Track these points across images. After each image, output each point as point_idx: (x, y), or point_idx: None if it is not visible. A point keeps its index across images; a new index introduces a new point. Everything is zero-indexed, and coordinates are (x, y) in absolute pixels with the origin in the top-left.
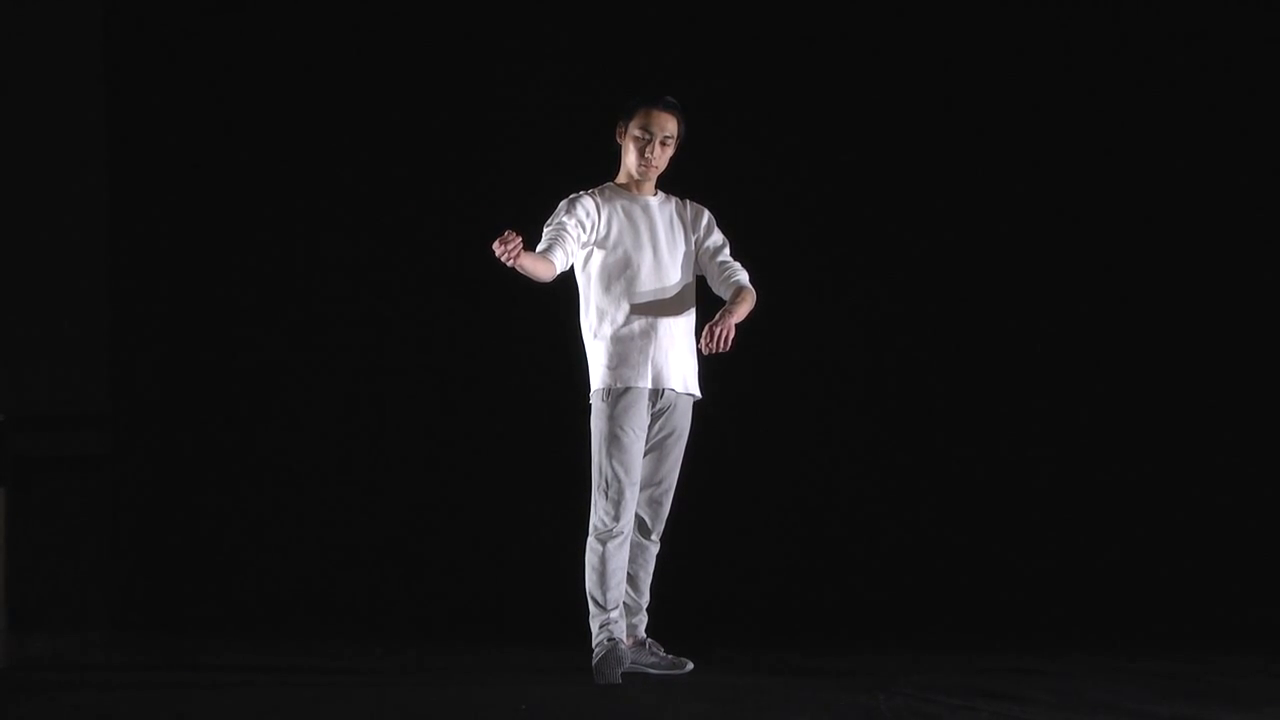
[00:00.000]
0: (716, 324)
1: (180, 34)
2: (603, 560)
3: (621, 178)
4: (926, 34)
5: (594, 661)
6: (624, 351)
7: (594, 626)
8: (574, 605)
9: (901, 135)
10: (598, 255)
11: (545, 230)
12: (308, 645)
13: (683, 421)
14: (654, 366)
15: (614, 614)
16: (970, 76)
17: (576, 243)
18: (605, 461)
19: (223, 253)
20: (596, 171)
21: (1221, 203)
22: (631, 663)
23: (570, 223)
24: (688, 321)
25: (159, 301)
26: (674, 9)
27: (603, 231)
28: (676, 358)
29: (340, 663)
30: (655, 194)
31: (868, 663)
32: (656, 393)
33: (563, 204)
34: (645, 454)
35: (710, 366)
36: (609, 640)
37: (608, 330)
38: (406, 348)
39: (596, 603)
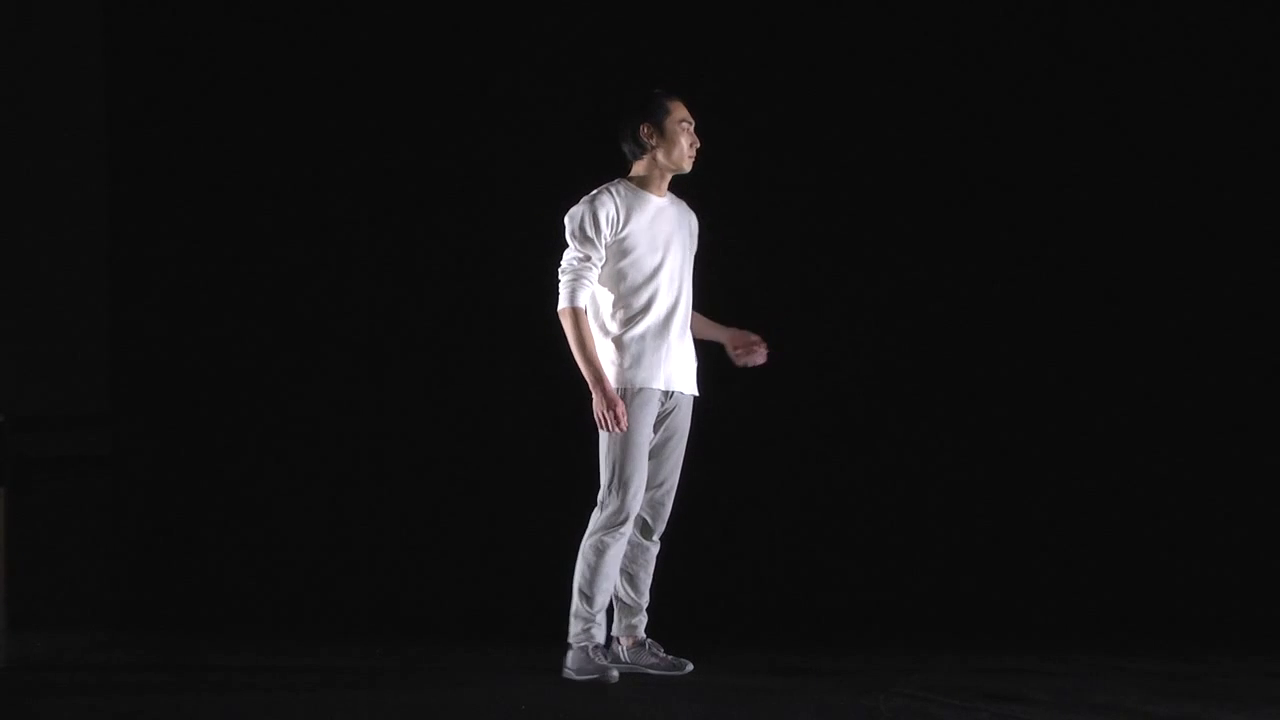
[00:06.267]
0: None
1: (181, 33)
2: (604, 559)
3: (640, 174)
4: (923, 33)
5: (570, 661)
6: (639, 352)
7: (576, 625)
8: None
9: (902, 131)
10: (615, 254)
11: (573, 255)
12: (308, 645)
13: (685, 422)
14: (666, 368)
15: (600, 616)
16: (967, 74)
17: (599, 269)
18: (618, 461)
19: (223, 253)
20: (600, 170)
21: (1225, 204)
22: (631, 663)
23: (595, 257)
24: (690, 321)
25: (159, 302)
26: (672, 9)
27: (623, 232)
28: (685, 358)
29: (340, 663)
30: (665, 194)
31: (868, 663)
32: (666, 394)
33: (584, 214)
34: (650, 456)
35: (709, 366)
36: (592, 646)
37: (622, 330)
38: (407, 348)
39: (586, 599)
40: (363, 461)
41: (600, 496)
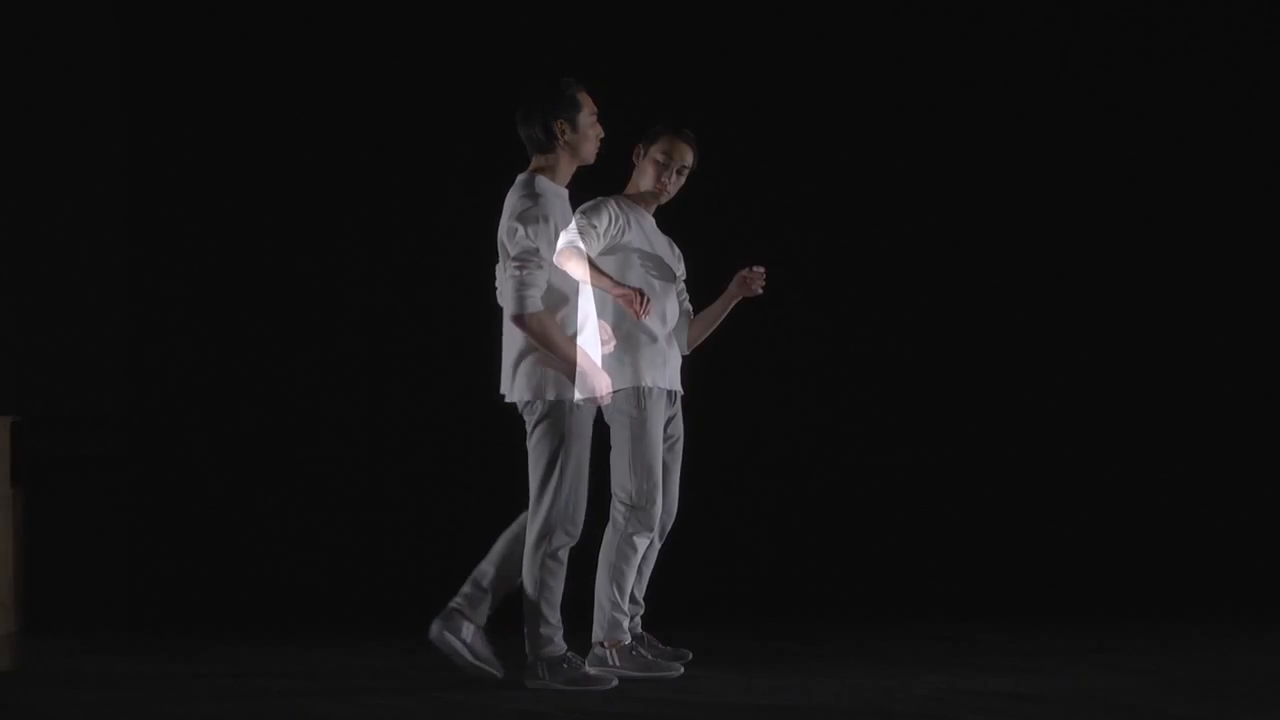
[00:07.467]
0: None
1: (198, 36)
2: (637, 556)
3: (547, 166)
4: (918, 32)
5: (582, 669)
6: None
7: (611, 625)
8: (575, 605)
9: (894, 131)
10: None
11: (527, 258)
12: (315, 645)
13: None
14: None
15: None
16: (962, 73)
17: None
18: (644, 461)
19: (239, 255)
20: (602, 176)
21: (1222, 202)
22: (629, 659)
23: (547, 259)
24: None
25: (175, 303)
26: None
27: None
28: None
29: (343, 662)
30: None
31: (870, 658)
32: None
33: (540, 217)
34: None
35: (708, 364)
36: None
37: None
38: (417, 353)
39: (622, 595)
40: (372, 464)
41: (629, 499)
